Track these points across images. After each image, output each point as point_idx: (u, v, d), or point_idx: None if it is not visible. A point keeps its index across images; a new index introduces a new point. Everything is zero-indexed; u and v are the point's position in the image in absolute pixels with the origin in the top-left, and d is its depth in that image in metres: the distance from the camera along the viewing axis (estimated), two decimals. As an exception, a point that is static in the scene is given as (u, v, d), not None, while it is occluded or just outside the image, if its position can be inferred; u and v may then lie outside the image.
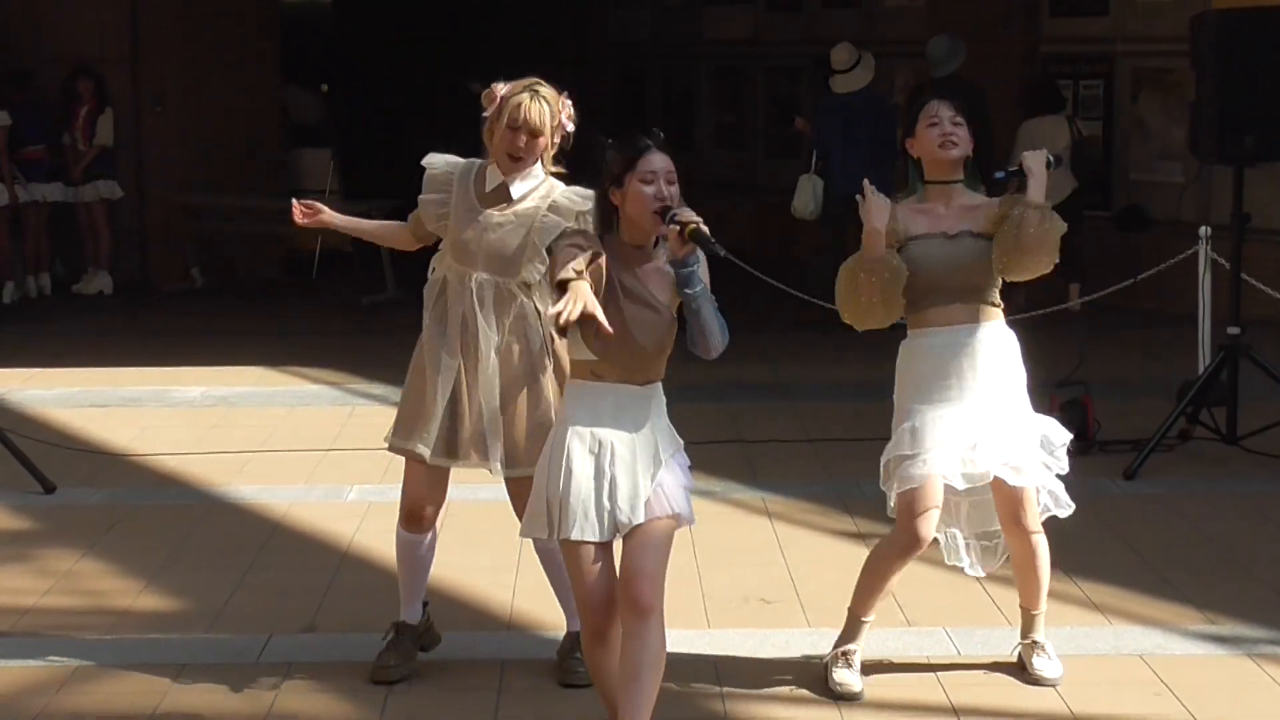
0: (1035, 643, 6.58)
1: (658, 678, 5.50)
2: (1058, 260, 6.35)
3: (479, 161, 6.49)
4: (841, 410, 10.98)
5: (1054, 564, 7.85)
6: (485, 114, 6.38)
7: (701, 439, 10.09)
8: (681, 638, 6.78)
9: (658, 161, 5.40)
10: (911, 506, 6.26)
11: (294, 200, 6.72)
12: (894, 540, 6.38)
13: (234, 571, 7.97)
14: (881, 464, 6.43)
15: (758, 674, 6.64)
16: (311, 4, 24.09)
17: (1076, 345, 11.03)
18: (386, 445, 6.54)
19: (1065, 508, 6.54)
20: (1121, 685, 6.48)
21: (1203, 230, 10.85)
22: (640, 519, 5.43)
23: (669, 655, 6.63)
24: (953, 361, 6.31)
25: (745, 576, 7.84)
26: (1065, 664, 6.67)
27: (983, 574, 6.77)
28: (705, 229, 5.29)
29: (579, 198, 6.35)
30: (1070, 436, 6.54)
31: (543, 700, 6.38)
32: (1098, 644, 6.94)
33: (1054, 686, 6.45)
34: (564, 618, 6.61)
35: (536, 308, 6.39)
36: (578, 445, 5.45)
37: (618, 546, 5.53)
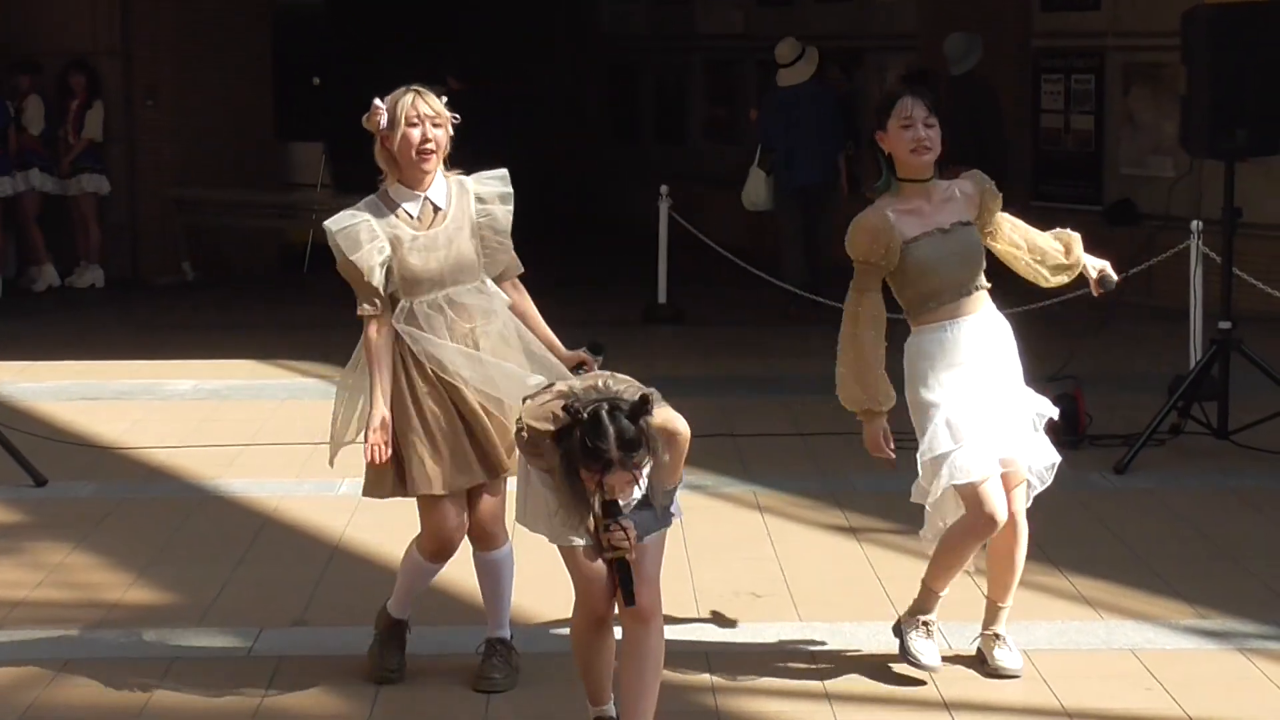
0: (997, 635, 6.57)
1: (658, 679, 5.59)
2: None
3: (373, 198, 6.37)
4: (833, 404, 10.90)
5: (1046, 558, 7.87)
6: (377, 131, 6.29)
7: (692, 433, 10.07)
8: (672, 631, 6.77)
9: (615, 480, 5.19)
10: (979, 496, 6.25)
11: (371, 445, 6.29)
12: (971, 528, 6.34)
13: (225, 565, 7.96)
14: (921, 462, 6.35)
15: (748, 668, 6.64)
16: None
17: (1067, 339, 11.04)
18: (421, 493, 6.33)
19: (1047, 479, 6.58)
20: (1113, 680, 6.48)
21: (1194, 225, 10.85)
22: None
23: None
24: (966, 352, 6.32)
25: (736, 570, 7.83)
26: (1056, 659, 6.68)
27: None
28: (630, 561, 5.30)
29: (495, 180, 6.40)
30: (1056, 411, 6.60)
31: (535, 695, 6.37)
32: (1089, 638, 6.94)
33: (1015, 678, 6.44)
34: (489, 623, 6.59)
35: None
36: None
37: None
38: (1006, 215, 6.62)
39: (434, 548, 6.42)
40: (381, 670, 6.52)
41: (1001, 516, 6.29)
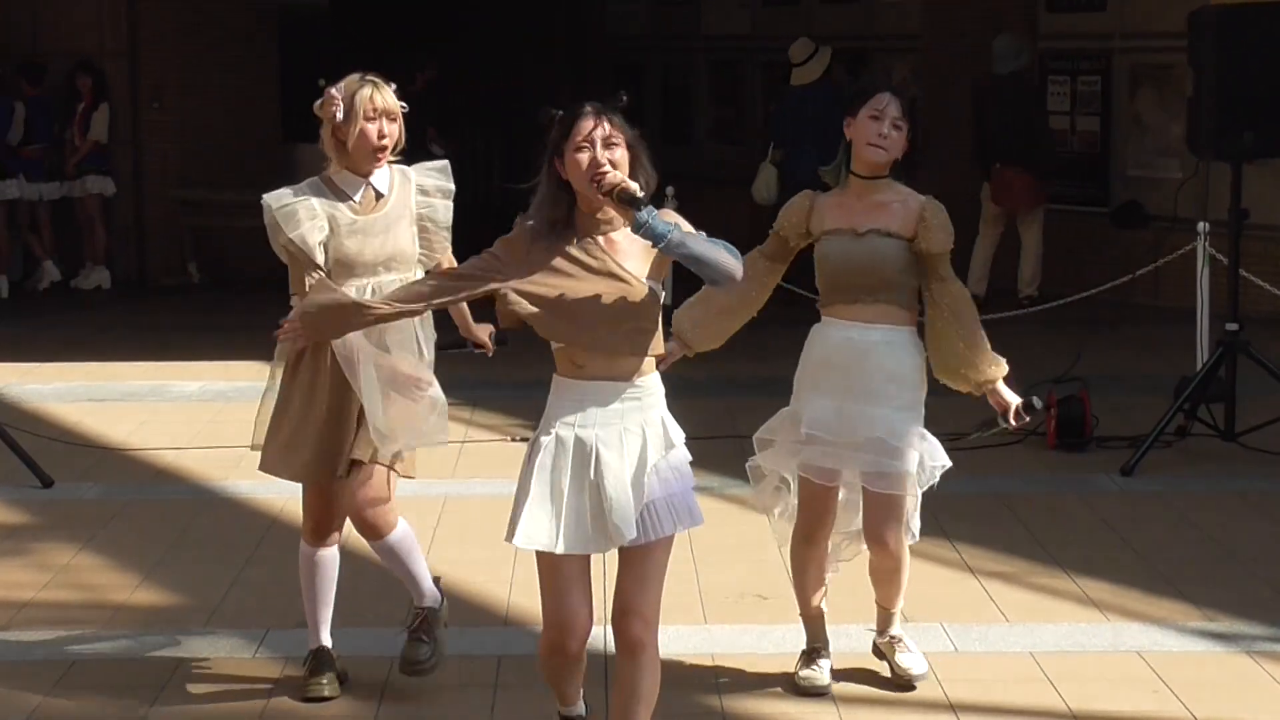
0: (894, 638, 6.51)
1: (649, 711, 5.36)
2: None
3: (315, 179, 6.32)
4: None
5: (1052, 560, 7.89)
6: (330, 122, 6.23)
7: (698, 434, 10.03)
8: (678, 634, 6.78)
9: (589, 127, 5.14)
10: (802, 493, 6.38)
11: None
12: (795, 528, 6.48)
13: (231, 566, 7.97)
14: (755, 437, 6.52)
15: (754, 669, 6.64)
16: (310, 1, 24.08)
17: (1074, 341, 11.04)
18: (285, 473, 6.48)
19: (911, 536, 6.44)
20: (1119, 682, 6.47)
21: (1201, 226, 10.85)
22: (631, 534, 5.14)
23: (665, 652, 6.62)
24: (844, 355, 6.26)
25: (741, 572, 7.83)
26: (1062, 661, 6.67)
27: (837, 571, 6.67)
28: (632, 186, 5.06)
29: (437, 173, 6.39)
30: (949, 464, 6.37)
31: (540, 697, 6.36)
32: (1095, 641, 6.93)
33: (919, 680, 6.39)
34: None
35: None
36: (561, 450, 5.16)
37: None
38: (951, 278, 6.32)
39: (310, 523, 6.53)
40: (303, 689, 6.40)
41: (808, 522, 6.36)
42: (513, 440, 10.11)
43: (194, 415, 11.26)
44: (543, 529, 5.15)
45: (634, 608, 5.23)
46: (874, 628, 6.58)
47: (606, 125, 5.15)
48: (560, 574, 5.22)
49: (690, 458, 5.38)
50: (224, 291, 16.87)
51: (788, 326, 14.74)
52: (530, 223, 5.24)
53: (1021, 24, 16.36)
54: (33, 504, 9.08)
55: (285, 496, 9.04)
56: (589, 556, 5.26)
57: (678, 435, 5.30)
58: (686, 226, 5.12)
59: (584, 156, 5.11)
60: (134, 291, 17.10)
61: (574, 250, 5.17)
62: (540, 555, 5.22)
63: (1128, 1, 15.68)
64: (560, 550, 5.16)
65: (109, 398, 11.79)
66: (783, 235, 6.44)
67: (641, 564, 5.24)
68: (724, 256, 5.07)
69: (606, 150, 5.12)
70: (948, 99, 16.61)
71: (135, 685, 6.48)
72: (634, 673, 5.29)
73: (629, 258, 5.18)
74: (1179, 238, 11.92)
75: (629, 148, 5.18)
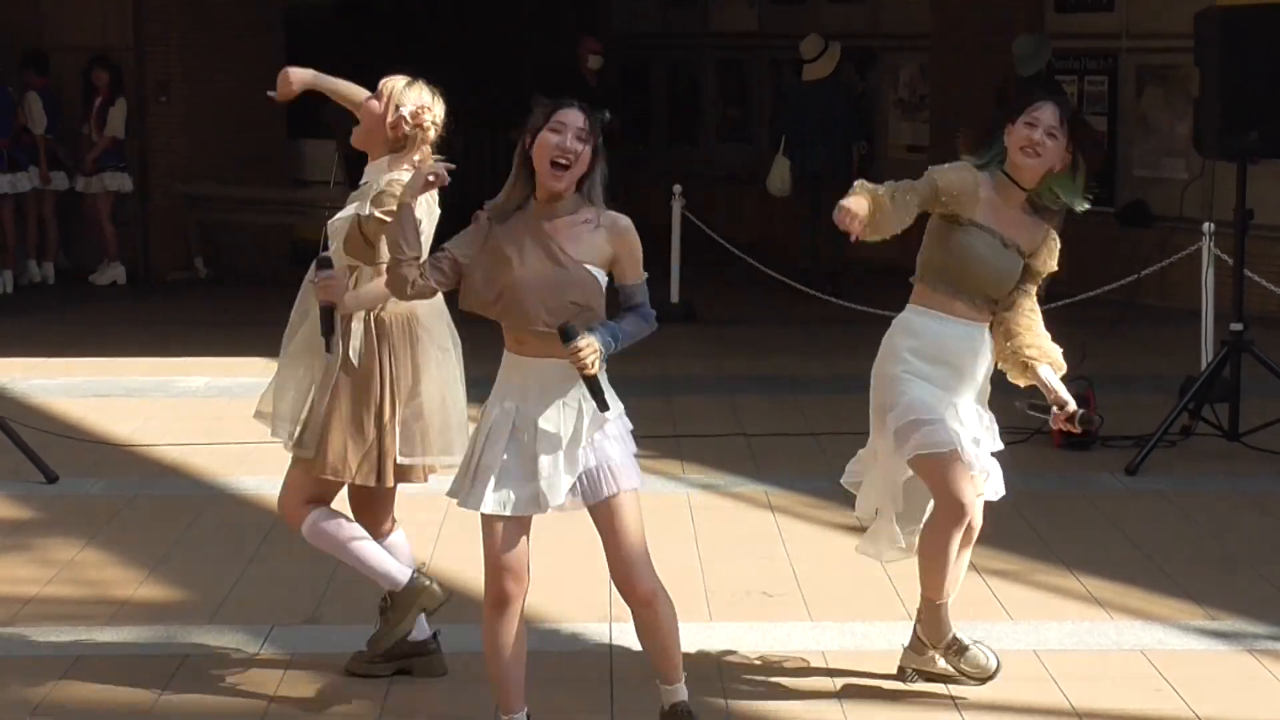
0: (957, 640, 6.41)
1: (678, 639, 5.71)
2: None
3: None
4: (844, 404, 10.92)
5: (1056, 558, 7.91)
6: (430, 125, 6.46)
7: (704, 432, 10.08)
8: (683, 631, 6.78)
9: (571, 116, 5.43)
10: (945, 472, 6.11)
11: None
12: (942, 517, 6.19)
13: (236, 562, 7.98)
14: (893, 431, 6.19)
15: (759, 666, 6.64)
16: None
17: (1079, 340, 11.04)
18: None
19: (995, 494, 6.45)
20: (1122, 680, 6.48)
21: (1206, 226, 10.85)
22: (559, 501, 5.48)
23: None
24: (949, 350, 6.21)
25: (747, 569, 7.83)
26: (1066, 659, 6.68)
27: (894, 559, 6.59)
28: (600, 381, 5.38)
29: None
30: (1001, 446, 6.41)
31: (544, 692, 6.37)
32: (1099, 639, 6.94)
33: (996, 677, 6.38)
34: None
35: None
36: (502, 419, 5.52)
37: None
38: (1034, 290, 6.50)
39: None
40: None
41: (967, 499, 6.14)
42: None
43: (199, 411, 11.27)
44: (486, 493, 5.49)
45: (627, 561, 5.56)
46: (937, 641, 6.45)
47: (586, 123, 5.43)
48: (502, 532, 5.53)
49: (631, 426, 5.65)
50: (229, 287, 16.88)
51: (789, 325, 14.76)
52: (488, 208, 5.53)
53: (1028, 24, 16.37)
54: (37, 499, 9.09)
55: (290, 492, 9.06)
56: (529, 517, 5.56)
57: (613, 409, 5.56)
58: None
59: (554, 138, 5.41)
60: (140, 286, 17.11)
61: (523, 233, 5.46)
62: (484, 515, 5.54)
63: (1134, 2, 15.68)
64: (498, 512, 5.49)
65: (114, 393, 11.80)
66: (943, 192, 6.15)
67: (611, 521, 5.54)
68: (642, 333, 5.52)
69: (577, 142, 5.41)
70: (956, 98, 16.62)
71: (140, 681, 6.49)
72: (655, 620, 5.66)
73: (572, 241, 5.47)
74: (1184, 238, 11.92)
75: (594, 153, 5.47)
